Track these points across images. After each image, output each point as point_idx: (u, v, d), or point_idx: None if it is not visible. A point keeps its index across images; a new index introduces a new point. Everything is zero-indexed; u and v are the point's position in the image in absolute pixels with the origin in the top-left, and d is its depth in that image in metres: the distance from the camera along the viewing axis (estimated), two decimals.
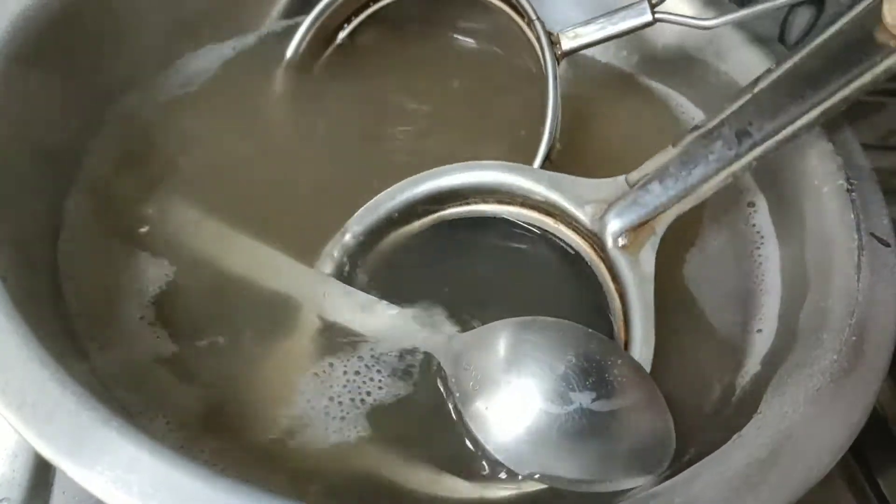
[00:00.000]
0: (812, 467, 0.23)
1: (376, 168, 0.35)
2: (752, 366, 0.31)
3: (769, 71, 0.29)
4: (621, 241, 0.28)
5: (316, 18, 0.38)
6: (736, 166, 0.28)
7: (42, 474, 0.33)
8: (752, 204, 0.35)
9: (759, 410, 0.26)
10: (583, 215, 0.29)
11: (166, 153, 0.34)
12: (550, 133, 0.32)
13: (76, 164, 0.33)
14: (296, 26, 0.39)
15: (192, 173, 0.34)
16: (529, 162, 0.32)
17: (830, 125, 0.33)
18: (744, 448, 0.24)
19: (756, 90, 0.28)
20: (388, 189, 0.31)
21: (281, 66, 0.38)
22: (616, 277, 0.29)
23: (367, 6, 0.39)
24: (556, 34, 0.34)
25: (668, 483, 0.23)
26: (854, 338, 0.26)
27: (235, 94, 0.37)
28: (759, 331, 0.31)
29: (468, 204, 0.32)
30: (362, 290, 0.30)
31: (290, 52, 0.38)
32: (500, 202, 0.31)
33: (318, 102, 0.38)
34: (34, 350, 0.22)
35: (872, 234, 0.29)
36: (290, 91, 0.38)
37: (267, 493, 0.21)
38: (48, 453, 0.21)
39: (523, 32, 0.36)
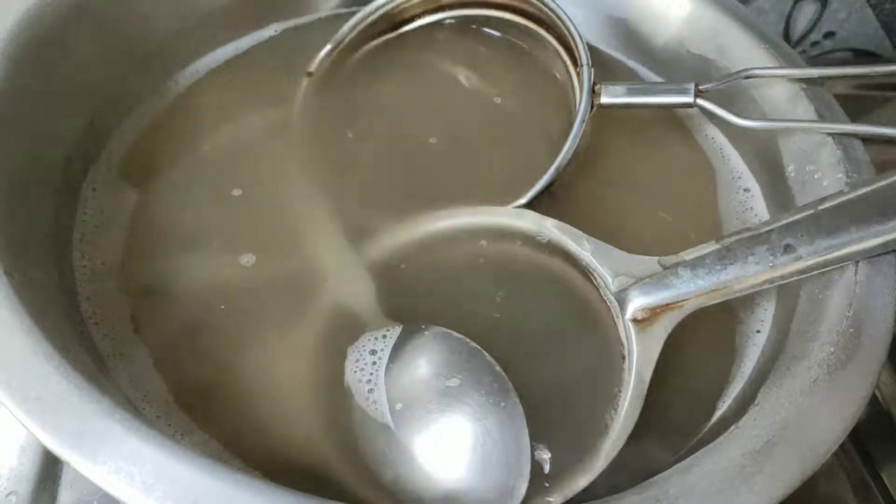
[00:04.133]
0: (807, 458, 0.23)
1: (400, 169, 0.35)
2: (751, 358, 0.31)
3: (840, 193, 0.28)
4: (639, 315, 0.28)
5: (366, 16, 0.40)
6: (774, 274, 0.27)
7: (50, 468, 0.34)
8: (748, 189, 0.36)
9: (756, 402, 0.26)
10: (612, 284, 0.29)
11: (186, 145, 0.35)
12: (557, 169, 0.33)
13: (90, 158, 0.33)
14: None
15: (211, 167, 0.34)
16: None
17: (829, 118, 0.33)
18: (739, 439, 0.24)
19: (820, 207, 0.28)
20: (434, 216, 0.32)
21: (318, 55, 0.39)
22: (624, 345, 0.29)
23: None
24: (599, 86, 0.35)
25: (664, 473, 0.23)
26: (851, 330, 0.26)
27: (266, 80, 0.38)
28: (759, 322, 0.32)
29: None
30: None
31: (330, 45, 0.39)
32: None
33: (348, 96, 0.38)
34: (39, 344, 0.23)
35: None
36: (321, 84, 0.39)
37: (268, 482, 0.21)
38: (52, 445, 0.21)
39: (564, 67, 0.38)
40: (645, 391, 0.27)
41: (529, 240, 0.32)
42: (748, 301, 0.32)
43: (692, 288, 0.28)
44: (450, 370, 0.27)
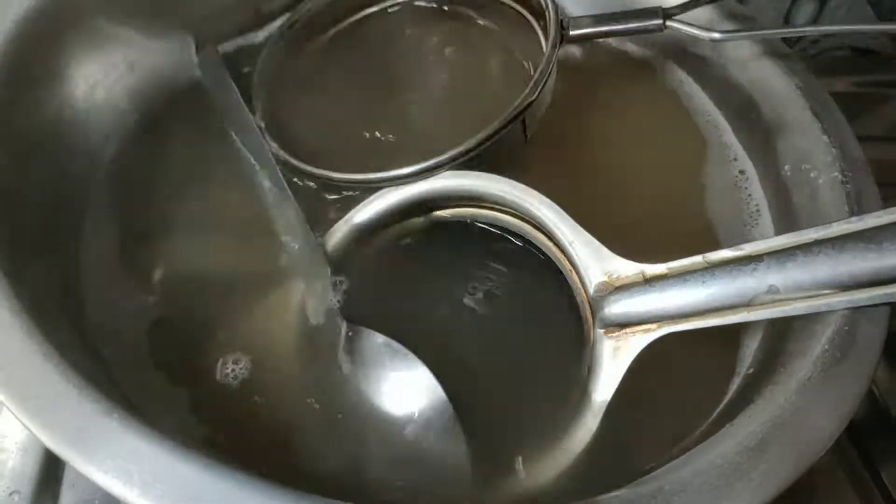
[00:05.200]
0: (802, 456, 0.23)
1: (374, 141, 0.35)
2: (748, 357, 0.31)
3: (842, 230, 0.26)
4: (611, 329, 0.28)
5: None
6: (751, 316, 0.26)
7: (52, 468, 0.34)
8: (745, 184, 0.36)
9: (752, 400, 0.26)
10: (592, 286, 0.28)
11: (187, 146, 0.35)
12: (529, 94, 0.32)
13: (94, 157, 0.33)
14: None
15: (206, 168, 0.35)
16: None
17: (825, 117, 0.33)
18: (734, 437, 0.24)
19: (818, 248, 0.26)
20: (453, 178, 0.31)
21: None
22: (592, 351, 0.28)
23: None
24: (567, 20, 0.35)
25: (658, 471, 0.23)
26: (846, 328, 0.26)
27: None
28: (755, 322, 0.32)
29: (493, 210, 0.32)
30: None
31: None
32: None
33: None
34: (38, 344, 0.23)
35: None
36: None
37: (263, 480, 0.21)
38: (51, 444, 0.21)
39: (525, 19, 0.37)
40: (601, 413, 0.27)
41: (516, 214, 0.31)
42: None
43: (669, 312, 0.27)
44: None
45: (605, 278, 0.28)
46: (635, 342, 0.27)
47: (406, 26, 0.40)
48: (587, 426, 0.27)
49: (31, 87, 0.31)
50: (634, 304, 0.27)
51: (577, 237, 0.29)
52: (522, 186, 0.30)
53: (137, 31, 0.36)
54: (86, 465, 0.21)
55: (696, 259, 0.27)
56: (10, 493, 0.33)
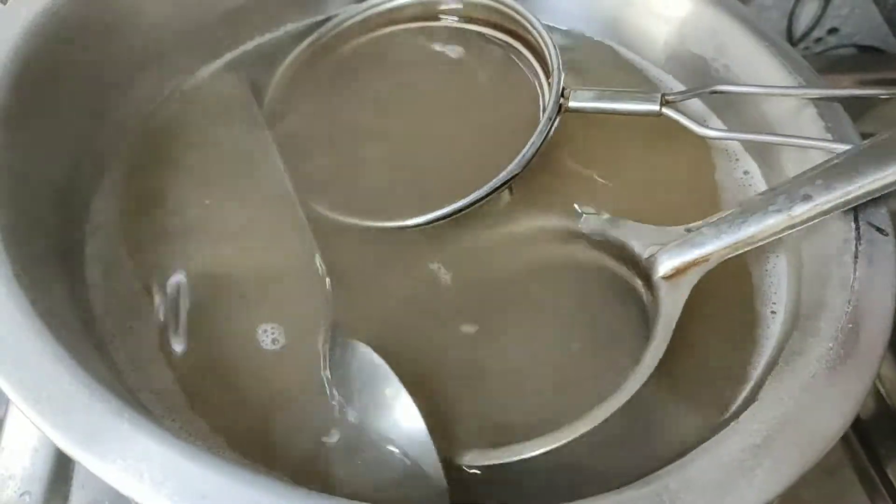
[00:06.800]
0: (806, 453, 0.24)
1: (380, 166, 0.36)
2: (758, 356, 0.31)
3: (855, 147, 0.30)
4: (669, 273, 0.30)
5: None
6: (794, 221, 0.29)
7: (62, 469, 0.34)
8: (751, 181, 0.36)
9: (757, 398, 0.26)
10: (640, 253, 0.31)
11: (193, 149, 0.35)
12: (518, 164, 0.33)
13: (102, 160, 0.34)
14: None
15: (213, 167, 0.35)
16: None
17: (829, 115, 0.33)
18: (739, 434, 0.24)
19: (837, 160, 0.29)
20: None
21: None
22: (653, 301, 0.30)
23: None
24: (568, 90, 0.35)
25: (665, 468, 0.23)
26: (850, 325, 0.26)
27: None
28: (764, 320, 0.32)
29: None
30: None
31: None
32: None
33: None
34: (49, 345, 0.23)
35: (870, 224, 0.29)
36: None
37: (273, 479, 0.21)
38: (62, 443, 0.22)
39: (537, 77, 0.38)
40: (670, 334, 0.28)
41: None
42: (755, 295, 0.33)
43: (717, 245, 0.29)
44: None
45: (652, 243, 0.31)
46: (693, 274, 0.30)
47: (417, 47, 0.41)
48: (656, 351, 0.28)
49: (45, 86, 0.31)
50: (686, 252, 0.30)
51: (619, 225, 0.32)
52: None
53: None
54: (96, 465, 0.21)
55: (730, 209, 0.30)
56: (21, 494, 0.33)
